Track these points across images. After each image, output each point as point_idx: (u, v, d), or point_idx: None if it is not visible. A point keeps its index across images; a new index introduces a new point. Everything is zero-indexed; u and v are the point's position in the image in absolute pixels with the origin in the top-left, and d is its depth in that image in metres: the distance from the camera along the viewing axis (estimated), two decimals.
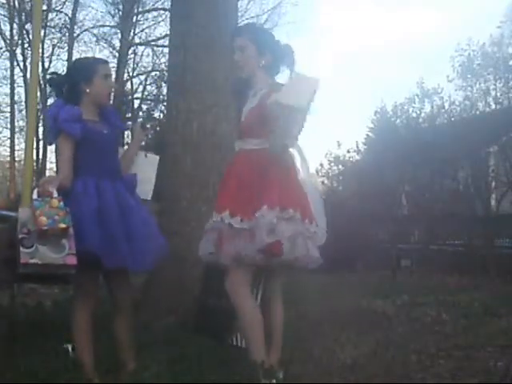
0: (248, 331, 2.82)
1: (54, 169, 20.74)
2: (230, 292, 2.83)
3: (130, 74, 23.23)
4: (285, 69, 3.04)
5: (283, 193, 2.79)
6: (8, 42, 21.80)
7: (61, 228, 2.60)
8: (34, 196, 2.71)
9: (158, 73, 22.31)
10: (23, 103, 21.84)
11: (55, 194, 2.69)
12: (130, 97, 22.39)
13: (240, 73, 3.03)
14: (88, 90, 2.92)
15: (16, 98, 22.55)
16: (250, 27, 3.33)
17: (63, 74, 3.14)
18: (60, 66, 21.87)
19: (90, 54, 20.93)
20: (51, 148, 19.19)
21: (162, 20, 21.84)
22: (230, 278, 2.84)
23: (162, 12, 21.81)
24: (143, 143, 3.32)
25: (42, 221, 2.58)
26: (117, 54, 22.05)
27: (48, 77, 3.37)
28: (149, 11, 22.58)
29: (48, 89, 19.27)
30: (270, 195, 2.76)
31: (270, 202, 2.74)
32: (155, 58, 22.68)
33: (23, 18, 20.85)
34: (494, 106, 13.07)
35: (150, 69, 23.05)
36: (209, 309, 3.45)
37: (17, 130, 22.51)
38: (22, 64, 21.79)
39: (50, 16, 21.14)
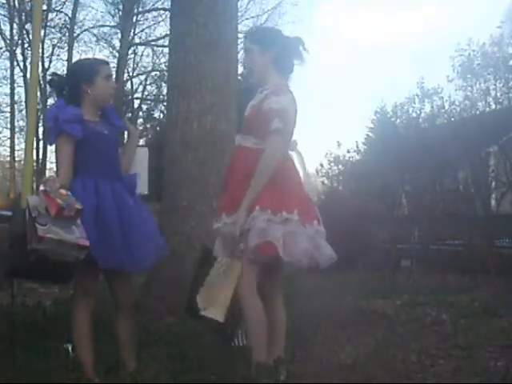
0: (253, 333, 2.83)
1: (54, 169, 20.74)
2: (239, 292, 2.83)
3: (130, 74, 23.29)
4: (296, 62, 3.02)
5: (277, 195, 2.80)
6: (8, 41, 21.82)
7: (76, 208, 2.62)
8: (42, 186, 2.72)
9: (158, 73, 22.36)
10: (23, 103, 21.88)
11: (58, 186, 2.71)
12: (129, 97, 22.39)
13: (254, 75, 3.04)
14: (89, 91, 2.92)
15: (16, 97, 22.62)
16: (252, 29, 3.38)
17: (64, 74, 3.14)
18: (60, 66, 21.92)
19: (90, 54, 21.00)
20: (51, 148, 19.17)
21: (162, 20, 21.92)
22: (240, 284, 2.83)
23: (162, 12, 21.88)
24: (144, 142, 3.30)
25: (58, 201, 2.60)
26: (117, 54, 22.08)
27: (48, 78, 3.37)
28: (149, 11, 22.62)
29: (48, 89, 19.31)
30: (262, 197, 2.78)
31: (262, 204, 2.76)
32: (155, 57, 22.77)
33: (23, 18, 20.86)
34: (494, 106, 13.06)
35: (149, 69, 23.13)
36: None
37: (17, 129, 22.57)
38: (22, 64, 21.84)
39: (50, 16, 21.22)
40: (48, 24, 20.81)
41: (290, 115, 2.90)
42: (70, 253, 2.60)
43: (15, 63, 22.18)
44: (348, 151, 14.39)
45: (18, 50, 21.91)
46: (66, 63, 21.20)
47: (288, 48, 2.97)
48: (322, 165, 14.67)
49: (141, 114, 22.38)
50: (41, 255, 2.57)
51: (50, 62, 22.11)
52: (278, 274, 3.03)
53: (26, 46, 21.15)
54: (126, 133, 3.31)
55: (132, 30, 22.33)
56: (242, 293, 2.81)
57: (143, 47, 23.41)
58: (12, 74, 22.21)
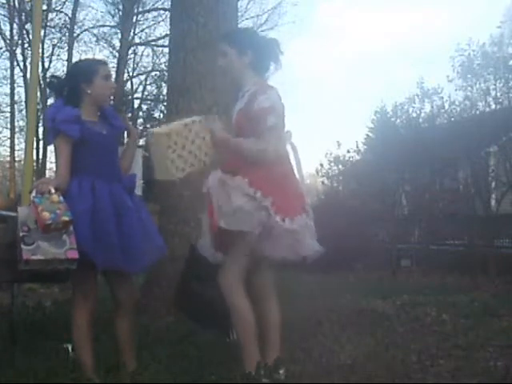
0: (240, 330, 2.87)
1: (54, 169, 20.73)
2: (224, 290, 2.86)
3: (130, 74, 23.26)
4: (272, 64, 3.05)
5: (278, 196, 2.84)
6: (8, 41, 21.79)
7: (64, 221, 2.60)
8: (33, 194, 2.72)
9: (158, 73, 22.33)
10: (23, 103, 21.82)
11: (53, 191, 2.70)
12: (129, 97, 22.38)
13: (226, 77, 3.06)
14: (89, 91, 2.93)
15: (16, 97, 22.56)
16: (229, 32, 3.42)
17: (63, 76, 3.15)
18: (60, 66, 21.90)
19: (89, 54, 20.98)
20: (51, 148, 19.05)
21: (162, 20, 21.88)
22: (224, 276, 2.87)
23: (162, 12, 21.84)
24: (144, 142, 3.31)
25: (44, 216, 2.58)
26: (117, 54, 22.05)
27: (48, 80, 3.38)
28: (149, 11, 22.59)
29: (48, 89, 19.31)
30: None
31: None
32: (155, 57, 22.73)
33: (23, 18, 20.84)
34: (494, 106, 13.01)
35: (149, 69, 23.09)
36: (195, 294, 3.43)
37: (17, 130, 22.51)
38: (22, 64, 21.79)
39: (50, 16, 21.18)
40: (48, 24, 20.79)
41: (281, 110, 2.93)
42: (59, 266, 2.62)
43: (15, 63, 22.15)
44: (348, 151, 14.36)
45: (18, 50, 21.90)
46: (66, 63, 21.17)
47: (264, 50, 3.00)
48: (321, 165, 14.65)
49: (141, 114, 22.37)
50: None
51: (50, 61, 22.12)
52: (268, 274, 3.02)
53: (26, 45, 21.12)
54: (125, 132, 3.30)
55: (132, 30, 22.30)
56: (227, 290, 2.84)
57: (143, 47, 23.41)
58: (12, 74, 22.20)
